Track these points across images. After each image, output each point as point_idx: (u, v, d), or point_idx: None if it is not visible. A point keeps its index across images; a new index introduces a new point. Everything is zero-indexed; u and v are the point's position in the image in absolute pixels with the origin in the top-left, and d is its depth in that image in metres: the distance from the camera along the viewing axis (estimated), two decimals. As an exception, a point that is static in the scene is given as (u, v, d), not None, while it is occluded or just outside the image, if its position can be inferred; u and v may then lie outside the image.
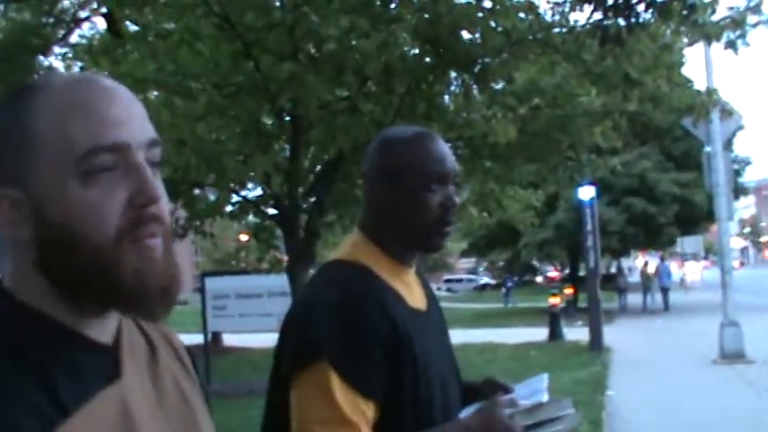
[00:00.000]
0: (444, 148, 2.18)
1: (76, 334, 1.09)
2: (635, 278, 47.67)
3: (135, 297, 1.07)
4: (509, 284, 44.69)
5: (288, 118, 6.97)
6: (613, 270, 42.59)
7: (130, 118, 1.09)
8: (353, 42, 6.19)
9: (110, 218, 1.05)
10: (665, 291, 35.58)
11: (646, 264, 41.86)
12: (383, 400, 1.99)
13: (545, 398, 2.25)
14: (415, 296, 2.21)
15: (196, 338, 14.55)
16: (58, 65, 15.62)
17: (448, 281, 70.77)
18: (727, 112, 11.55)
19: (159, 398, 1.19)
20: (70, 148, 1.04)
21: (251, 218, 9.80)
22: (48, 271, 1.07)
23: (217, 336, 20.74)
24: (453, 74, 6.57)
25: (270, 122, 7.12)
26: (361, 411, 1.94)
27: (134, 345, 1.20)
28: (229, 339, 21.75)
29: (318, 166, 7.45)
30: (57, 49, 15.77)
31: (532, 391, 2.29)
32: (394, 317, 2.02)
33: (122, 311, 1.14)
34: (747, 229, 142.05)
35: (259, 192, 8.11)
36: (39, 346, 1.05)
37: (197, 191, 9.19)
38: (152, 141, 1.11)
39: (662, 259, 40.16)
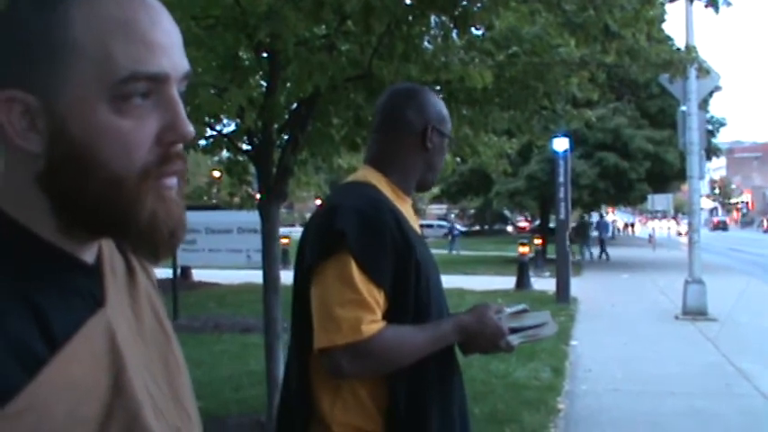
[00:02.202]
0: None
1: (65, 255, 1.05)
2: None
3: (145, 237, 1.03)
4: (455, 233, 45.98)
5: (265, 54, 6.91)
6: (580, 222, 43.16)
7: (172, 46, 1.04)
8: (334, -21, 6.16)
9: (138, 150, 1.00)
10: (602, 242, 39.57)
11: (582, 218, 44.40)
12: (392, 294, 2.29)
13: (517, 307, 2.60)
14: (413, 221, 2.56)
15: (165, 272, 14.58)
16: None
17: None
18: (704, 71, 11.55)
19: (138, 322, 1.17)
20: (110, 68, 0.97)
21: (224, 153, 9.77)
22: (53, 190, 1.00)
23: (186, 270, 20.78)
24: (433, 17, 6.55)
25: (247, 57, 7.06)
26: (375, 297, 2.24)
27: (114, 265, 1.17)
28: (198, 275, 21.80)
29: (294, 104, 7.40)
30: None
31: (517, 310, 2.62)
32: (403, 225, 2.36)
33: (126, 246, 1.13)
34: (717, 190, 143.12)
35: (233, 127, 8.07)
36: (28, 267, 0.99)
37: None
38: (187, 74, 1.07)
39: (601, 216, 43.13)
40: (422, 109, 2.53)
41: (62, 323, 0.98)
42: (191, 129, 1.05)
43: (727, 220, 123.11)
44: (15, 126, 0.97)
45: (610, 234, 44.09)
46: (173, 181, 1.06)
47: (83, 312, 1.02)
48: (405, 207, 2.52)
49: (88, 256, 1.09)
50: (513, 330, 2.50)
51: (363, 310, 2.20)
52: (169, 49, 1.03)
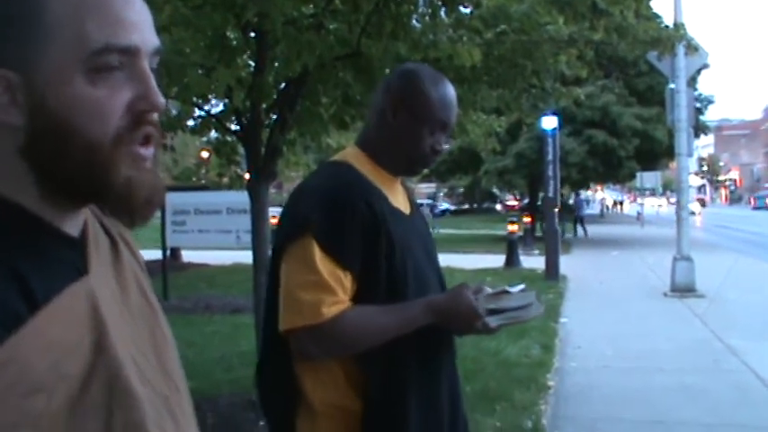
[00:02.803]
0: (455, 101, 2.49)
1: (49, 226, 1.10)
2: (593, 210, 48.92)
3: (122, 203, 1.10)
4: (436, 211, 46.77)
5: (253, 33, 6.89)
6: (571, 201, 43.44)
7: (142, 23, 1.10)
8: (321, -43, 6.14)
9: (111, 117, 1.06)
10: (581, 219, 40.74)
11: (561, 196, 45.49)
12: (360, 275, 2.25)
13: (511, 289, 2.46)
14: (398, 200, 2.51)
15: (155, 254, 14.57)
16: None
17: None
18: (692, 48, 11.57)
19: (123, 294, 1.21)
20: (84, 42, 1.04)
21: (213, 134, 9.74)
22: (34, 160, 1.06)
23: (175, 252, 20.75)
24: (421, -6, 6.55)
25: (234, 37, 7.03)
26: (338, 279, 2.21)
27: (99, 241, 1.21)
28: (188, 256, 21.79)
29: (283, 83, 7.38)
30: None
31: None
32: (374, 204, 2.30)
33: (105, 212, 1.18)
34: (705, 168, 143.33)
35: (222, 107, 8.06)
36: (9, 237, 1.04)
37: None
38: (157, 50, 1.13)
39: (577, 194, 44.69)
40: (396, 87, 2.44)
41: (44, 288, 1.02)
42: (161, 99, 1.10)
43: (706, 198, 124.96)
44: None
45: (589, 211, 45.12)
46: (148, 151, 1.11)
47: (65, 280, 1.07)
48: (390, 187, 2.47)
49: (73, 229, 1.15)
50: (494, 312, 2.37)
51: (324, 293, 2.19)
52: (140, 25, 1.09)
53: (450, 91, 2.47)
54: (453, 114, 2.48)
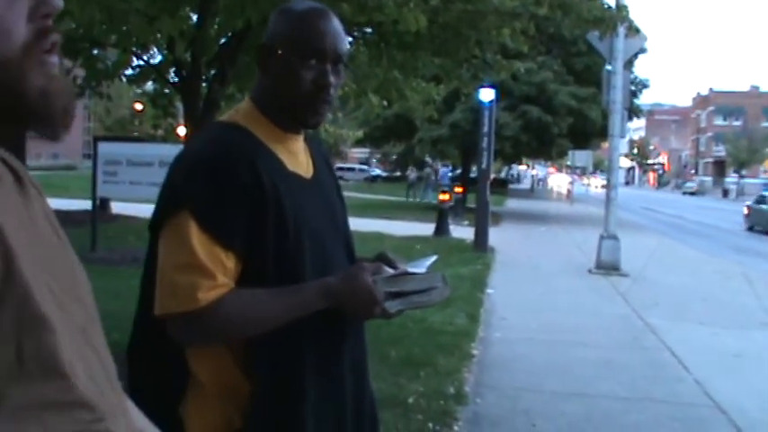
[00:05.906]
0: (333, 26, 2.13)
1: None
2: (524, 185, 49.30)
3: (40, 114, 1.09)
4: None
5: (198, -16, 6.82)
6: (503, 175, 43.86)
7: None
8: None
9: (15, 31, 1.04)
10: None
11: (423, 167, 51.54)
12: (245, 253, 2.01)
13: (415, 271, 2.25)
14: (298, 162, 2.22)
15: (84, 204, 14.37)
16: None
17: (340, 169, 70.98)
18: (633, 30, 11.75)
19: (32, 224, 1.17)
20: None
21: (150, 84, 9.60)
22: None
23: (105, 202, 20.43)
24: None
25: (179, -14, 6.95)
26: (219, 260, 1.97)
27: (1, 174, 1.16)
28: (118, 207, 21.50)
29: (224, 38, 7.31)
30: None
31: (415, 267, 2.30)
32: (262, 174, 2.03)
33: (27, 127, 1.15)
34: (636, 150, 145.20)
35: (161, 58, 7.96)
36: None
37: (96, 51, 8.93)
38: None
39: (445, 165, 48.77)
40: (269, 27, 2.17)
41: None
42: (60, 1, 1.10)
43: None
44: None
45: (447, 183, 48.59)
46: (55, 59, 1.10)
47: None
48: (287, 147, 2.19)
49: None
50: (396, 295, 2.16)
51: (201, 276, 1.96)
52: None
53: (326, 16, 2.14)
54: (333, 41, 2.11)
